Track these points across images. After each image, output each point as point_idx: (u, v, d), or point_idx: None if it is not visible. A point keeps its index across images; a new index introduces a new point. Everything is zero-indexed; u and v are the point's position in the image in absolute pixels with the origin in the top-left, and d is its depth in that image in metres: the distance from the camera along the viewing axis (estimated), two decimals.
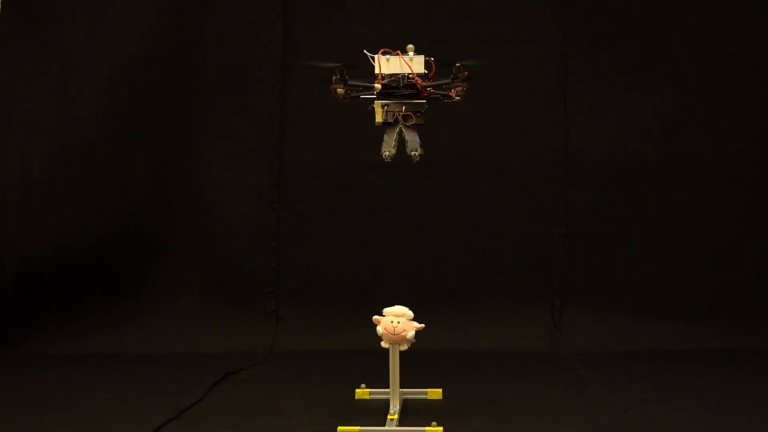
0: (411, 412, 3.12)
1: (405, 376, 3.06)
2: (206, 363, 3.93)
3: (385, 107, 2.92)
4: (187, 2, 4.49)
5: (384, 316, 2.94)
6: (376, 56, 2.92)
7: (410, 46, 2.95)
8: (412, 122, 2.93)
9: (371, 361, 3.42)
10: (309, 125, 4.52)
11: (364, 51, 2.93)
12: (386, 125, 2.95)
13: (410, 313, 2.95)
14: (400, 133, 2.97)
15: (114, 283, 4.47)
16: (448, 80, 2.97)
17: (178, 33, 4.48)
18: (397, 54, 2.92)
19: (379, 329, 2.95)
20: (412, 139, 2.93)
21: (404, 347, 2.97)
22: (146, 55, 4.46)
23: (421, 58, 2.94)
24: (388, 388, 3.04)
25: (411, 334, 2.94)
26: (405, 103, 2.93)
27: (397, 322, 2.92)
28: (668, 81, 4.47)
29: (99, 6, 4.46)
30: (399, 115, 2.93)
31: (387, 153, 2.94)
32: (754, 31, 4.46)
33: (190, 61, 4.50)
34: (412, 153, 2.94)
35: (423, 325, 2.95)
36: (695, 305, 4.40)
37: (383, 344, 2.98)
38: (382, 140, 2.98)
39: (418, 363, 3.34)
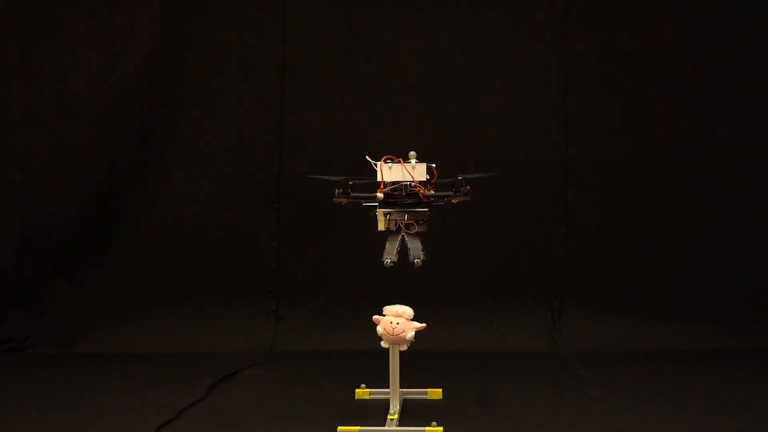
0: (411, 412, 3.12)
1: (405, 376, 3.05)
2: (206, 363, 3.93)
3: (388, 216, 2.92)
4: (189, 3, 4.49)
5: (384, 315, 2.94)
6: (378, 163, 2.92)
7: (412, 153, 2.95)
8: (415, 230, 2.92)
9: (371, 361, 3.42)
10: (309, 125, 4.52)
11: (367, 157, 2.93)
12: (388, 232, 2.94)
13: (410, 312, 2.95)
14: (402, 240, 2.96)
15: (114, 282, 4.47)
16: (450, 192, 2.96)
17: (179, 33, 4.48)
18: (399, 162, 2.91)
19: (379, 329, 2.94)
20: (415, 247, 2.93)
21: (404, 347, 2.97)
22: (146, 55, 4.47)
23: (423, 166, 2.93)
24: (388, 388, 3.04)
25: (411, 334, 2.93)
26: (407, 212, 2.91)
27: (396, 322, 2.92)
28: (668, 81, 4.47)
29: (100, 7, 4.46)
30: (401, 223, 2.92)
31: (389, 260, 2.94)
32: (753, 31, 4.47)
33: (190, 61, 4.50)
34: (415, 261, 2.94)
35: (424, 324, 2.95)
36: (695, 305, 4.40)
37: (383, 344, 2.98)
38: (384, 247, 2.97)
39: (418, 363, 3.34)
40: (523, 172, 4.48)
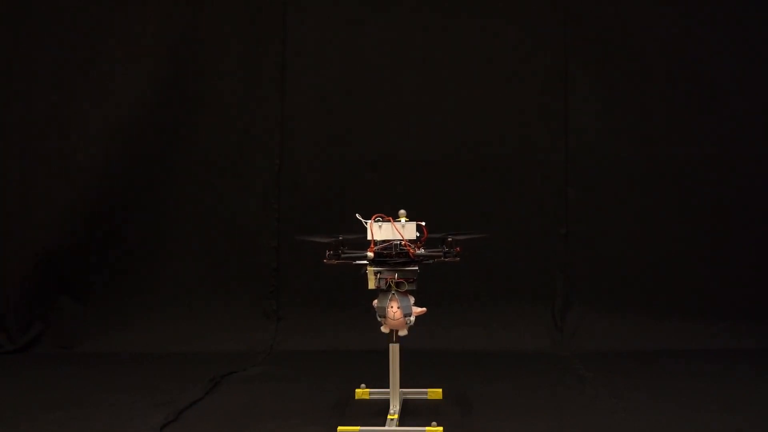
0: (411, 412, 3.12)
1: (405, 376, 3.06)
2: (206, 363, 3.93)
3: (378, 274, 2.92)
4: (190, 4, 4.49)
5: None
6: (368, 222, 2.92)
7: (402, 211, 2.95)
8: (405, 288, 2.93)
9: (371, 361, 3.42)
10: (309, 125, 4.52)
11: (357, 215, 2.92)
12: (379, 290, 2.95)
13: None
14: (392, 298, 2.95)
15: (114, 283, 4.47)
16: (440, 252, 2.96)
17: (179, 33, 4.48)
18: (389, 221, 2.91)
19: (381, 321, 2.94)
20: (405, 305, 2.93)
21: (404, 332, 2.96)
22: (144, 55, 4.47)
23: (412, 225, 2.93)
24: (388, 388, 3.04)
25: (411, 318, 2.92)
26: (397, 270, 2.91)
27: (397, 307, 2.90)
28: (668, 82, 4.47)
29: (104, 10, 4.47)
30: (391, 282, 2.92)
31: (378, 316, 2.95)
32: (753, 32, 4.47)
33: (191, 62, 4.50)
34: (406, 318, 2.95)
35: (424, 309, 2.95)
36: (695, 305, 4.40)
37: (383, 329, 2.97)
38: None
39: (418, 363, 3.34)
40: (523, 172, 4.48)
